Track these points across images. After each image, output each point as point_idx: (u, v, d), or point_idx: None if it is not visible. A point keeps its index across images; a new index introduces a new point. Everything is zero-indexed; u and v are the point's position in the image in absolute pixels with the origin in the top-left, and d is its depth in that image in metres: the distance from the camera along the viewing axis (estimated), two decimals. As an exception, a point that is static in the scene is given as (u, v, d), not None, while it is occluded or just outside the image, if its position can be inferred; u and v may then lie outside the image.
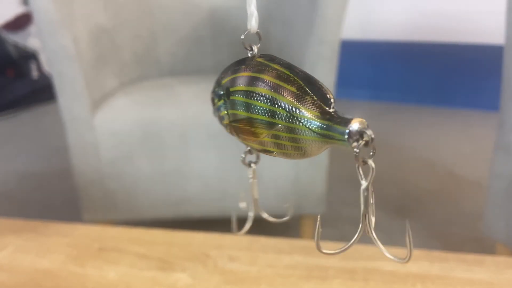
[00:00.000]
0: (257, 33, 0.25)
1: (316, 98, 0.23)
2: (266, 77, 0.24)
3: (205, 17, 1.30)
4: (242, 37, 0.25)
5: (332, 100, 0.23)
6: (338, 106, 0.23)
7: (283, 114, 0.23)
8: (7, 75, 2.51)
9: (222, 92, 0.27)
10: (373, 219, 0.23)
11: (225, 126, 0.28)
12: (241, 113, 0.25)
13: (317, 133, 0.23)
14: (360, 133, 0.21)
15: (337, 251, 0.23)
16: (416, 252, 0.51)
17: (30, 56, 2.61)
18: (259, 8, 0.24)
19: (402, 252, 0.54)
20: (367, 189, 0.22)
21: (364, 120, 0.21)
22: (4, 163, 1.75)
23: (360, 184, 0.22)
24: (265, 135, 0.25)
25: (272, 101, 0.23)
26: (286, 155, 0.25)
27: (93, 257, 0.51)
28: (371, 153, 0.21)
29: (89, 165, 0.95)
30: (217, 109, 0.28)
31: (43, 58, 2.60)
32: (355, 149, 0.21)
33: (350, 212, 1.25)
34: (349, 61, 1.77)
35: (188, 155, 0.95)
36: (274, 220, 0.30)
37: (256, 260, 0.50)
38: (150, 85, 1.08)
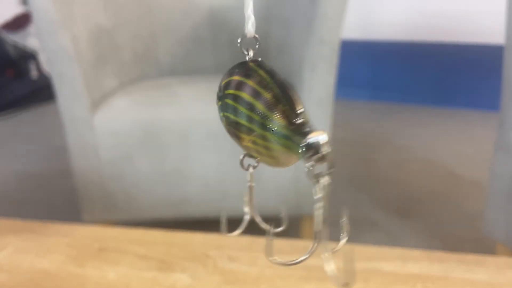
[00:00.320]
0: (254, 37, 0.25)
1: (286, 108, 0.22)
2: (250, 83, 0.24)
3: (205, 17, 1.30)
4: (239, 41, 0.25)
5: (300, 111, 0.22)
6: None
7: (258, 120, 0.23)
8: (7, 75, 2.51)
9: (220, 94, 0.27)
10: (327, 236, 0.21)
11: (224, 127, 0.28)
12: (231, 116, 0.25)
13: (281, 143, 0.22)
14: (316, 147, 0.20)
15: (289, 262, 0.22)
16: (416, 253, 0.51)
17: (29, 56, 2.61)
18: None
19: (402, 252, 0.53)
20: (320, 206, 0.21)
21: (324, 134, 0.20)
22: (4, 163, 1.75)
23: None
24: (248, 141, 0.24)
25: (251, 107, 0.23)
26: (265, 162, 0.25)
27: (93, 258, 0.51)
28: (328, 170, 0.20)
29: (89, 165, 0.95)
30: (218, 110, 0.28)
31: (42, 58, 2.60)
32: (306, 164, 0.20)
33: (350, 213, 1.24)
34: (349, 61, 1.77)
35: (188, 155, 0.95)
36: (268, 228, 0.30)
37: (256, 261, 0.50)
38: (150, 85, 1.08)
